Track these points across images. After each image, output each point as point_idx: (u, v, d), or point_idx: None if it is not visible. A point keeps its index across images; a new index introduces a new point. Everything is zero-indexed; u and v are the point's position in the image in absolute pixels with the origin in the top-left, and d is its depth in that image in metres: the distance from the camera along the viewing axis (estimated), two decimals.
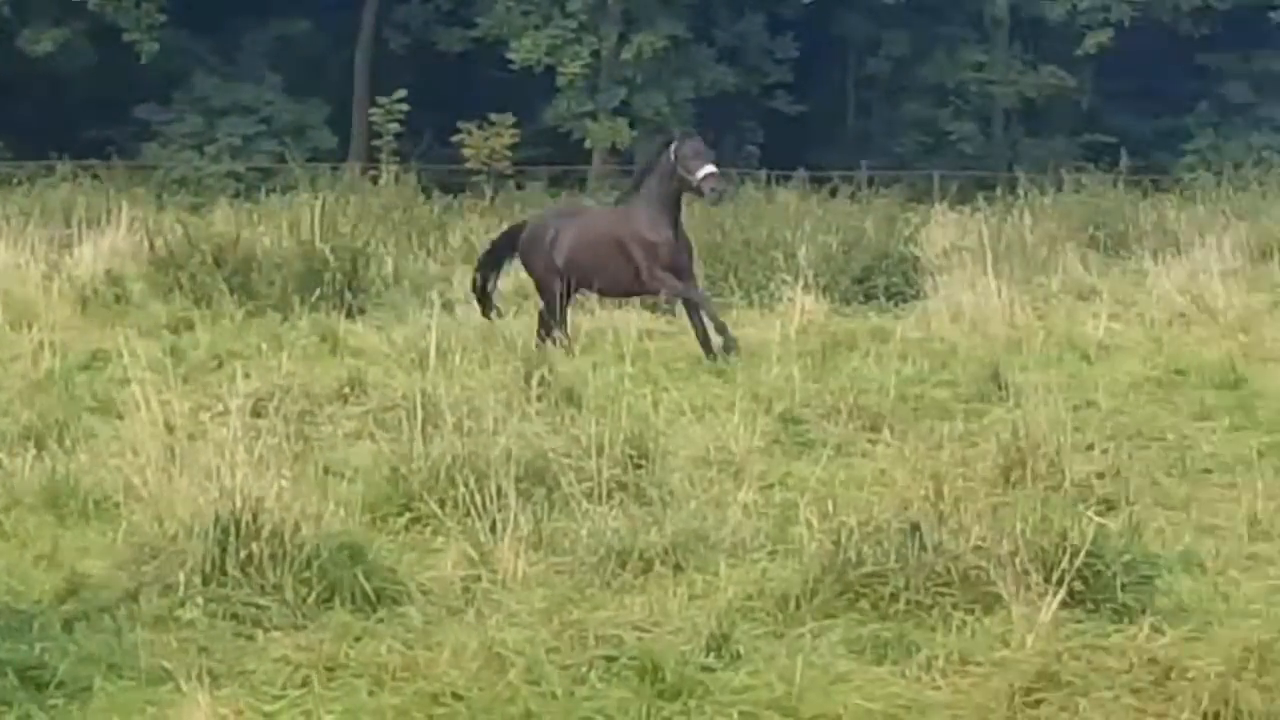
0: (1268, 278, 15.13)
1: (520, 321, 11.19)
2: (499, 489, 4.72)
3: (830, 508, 4.51)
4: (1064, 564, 3.72)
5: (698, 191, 10.45)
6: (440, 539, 4.77)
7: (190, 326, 10.80)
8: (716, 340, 9.79)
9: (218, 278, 12.11)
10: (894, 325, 11.24)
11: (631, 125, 35.23)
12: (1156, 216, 20.13)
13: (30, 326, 10.10)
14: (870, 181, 27.79)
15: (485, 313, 11.01)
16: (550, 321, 10.43)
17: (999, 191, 23.85)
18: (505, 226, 13.68)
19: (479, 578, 4.35)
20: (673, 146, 10.48)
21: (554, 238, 10.69)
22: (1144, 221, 19.52)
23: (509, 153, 32.65)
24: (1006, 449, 5.74)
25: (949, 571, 3.93)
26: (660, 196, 10.38)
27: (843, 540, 4.08)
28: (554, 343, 10.09)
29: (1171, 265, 14.45)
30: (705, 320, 10.08)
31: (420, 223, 18.45)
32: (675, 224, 10.44)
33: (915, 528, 4.05)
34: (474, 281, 11.39)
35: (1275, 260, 16.31)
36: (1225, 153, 32.90)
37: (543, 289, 10.75)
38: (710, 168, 10.38)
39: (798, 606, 3.94)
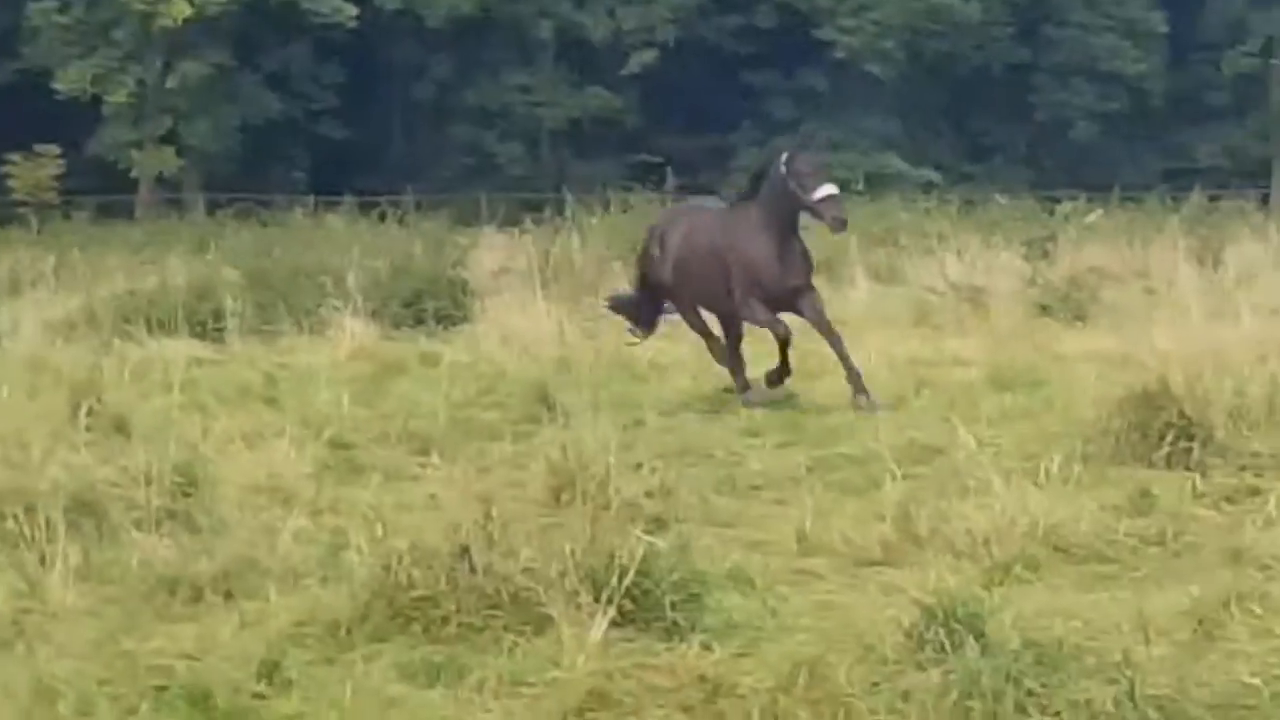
0: None
1: (71, 350, 10.40)
2: (47, 520, 4.62)
3: (380, 532, 4.52)
4: (613, 583, 3.70)
5: (814, 214, 8.79)
6: None
7: None
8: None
9: None
10: (444, 349, 11.22)
11: (178, 154, 35.67)
12: None
13: None
14: (418, 205, 27.92)
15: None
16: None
17: (547, 213, 24.33)
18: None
19: (28, 610, 4.22)
20: (783, 159, 8.73)
21: (662, 238, 9.47)
22: None
23: (55, 183, 32.92)
24: (556, 469, 5.70)
25: (499, 593, 3.89)
26: (770, 210, 8.82)
27: (393, 565, 4.02)
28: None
29: None
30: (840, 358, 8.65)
31: None
32: (785, 242, 8.78)
33: (465, 550, 3.97)
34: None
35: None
36: None
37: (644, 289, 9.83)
38: (830, 188, 8.69)
39: (349, 632, 3.89)
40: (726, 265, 8.79)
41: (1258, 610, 3.78)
